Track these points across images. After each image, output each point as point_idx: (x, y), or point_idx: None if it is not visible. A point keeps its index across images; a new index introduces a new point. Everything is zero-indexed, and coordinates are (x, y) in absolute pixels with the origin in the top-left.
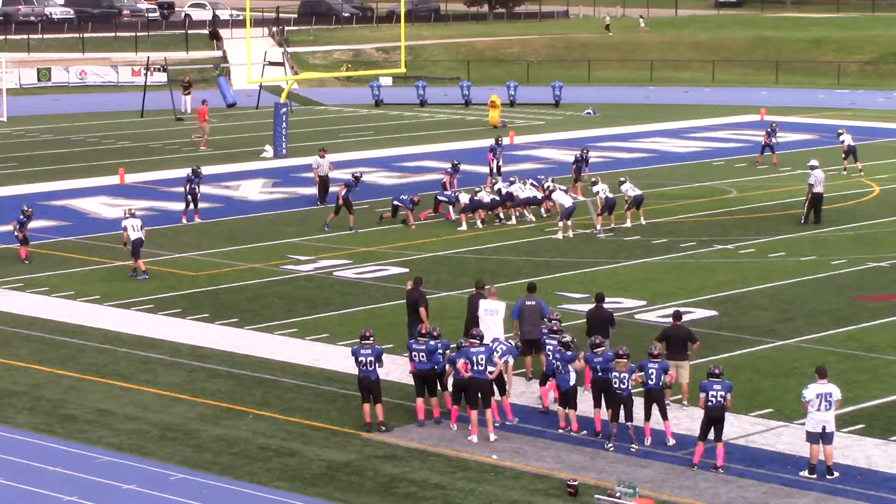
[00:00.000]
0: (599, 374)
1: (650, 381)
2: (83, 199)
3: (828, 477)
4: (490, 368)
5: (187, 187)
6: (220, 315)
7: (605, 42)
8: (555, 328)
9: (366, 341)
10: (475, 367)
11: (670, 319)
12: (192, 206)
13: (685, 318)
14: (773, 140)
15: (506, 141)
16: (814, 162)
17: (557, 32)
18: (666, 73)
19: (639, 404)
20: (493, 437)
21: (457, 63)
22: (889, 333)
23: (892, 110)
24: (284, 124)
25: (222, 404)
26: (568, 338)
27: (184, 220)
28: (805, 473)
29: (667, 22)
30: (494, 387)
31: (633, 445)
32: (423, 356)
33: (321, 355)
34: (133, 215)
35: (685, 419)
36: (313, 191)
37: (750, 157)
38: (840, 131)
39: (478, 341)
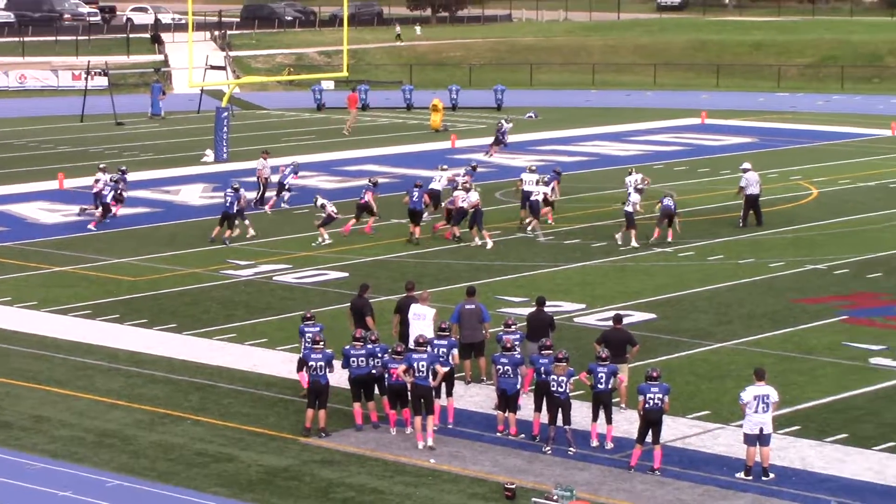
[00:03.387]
0: (543, 376)
1: (599, 385)
2: (21, 205)
3: (764, 478)
4: (447, 367)
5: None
6: (159, 320)
7: (547, 46)
8: (509, 321)
9: (316, 346)
10: (417, 374)
11: (610, 323)
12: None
13: (625, 320)
14: None
15: (447, 144)
16: (746, 165)
17: (500, 36)
18: (608, 77)
19: (584, 407)
20: (430, 441)
21: (399, 67)
22: (826, 335)
23: (832, 113)
24: (226, 128)
25: (159, 410)
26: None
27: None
28: (741, 475)
29: (609, 25)
30: (443, 388)
31: (571, 449)
32: (361, 361)
33: (259, 360)
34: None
35: (623, 422)
36: (253, 194)
37: (691, 159)
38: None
39: (422, 348)
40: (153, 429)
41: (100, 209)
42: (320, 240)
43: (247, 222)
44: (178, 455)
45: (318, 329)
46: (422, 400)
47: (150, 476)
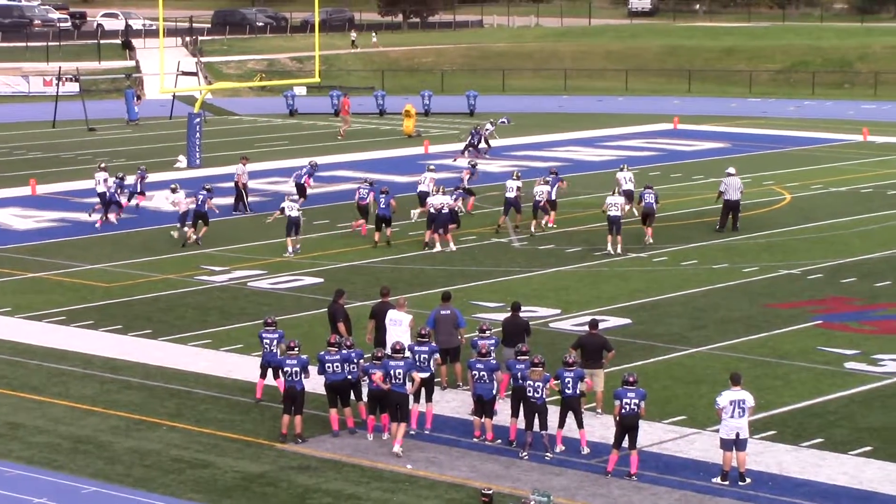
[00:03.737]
0: (520, 381)
1: (567, 390)
2: None
3: (740, 483)
4: (428, 372)
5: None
6: (134, 326)
7: (519, 51)
8: (484, 327)
9: (291, 352)
10: (393, 381)
11: (586, 328)
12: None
13: (600, 326)
14: None
15: (420, 150)
16: (730, 169)
17: (471, 42)
18: (580, 83)
19: (554, 412)
20: (396, 448)
21: (371, 73)
22: (800, 340)
23: (803, 119)
24: (198, 134)
25: (135, 416)
26: (524, 347)
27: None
28: (718, 480)
29: (580, 31)
30: (423, 392)
31: (548, 454)
32: (336, 367)
33: (235, 366)
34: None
35: (599, 427)
36: (229, 201)
37: (664, 165)
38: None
39: (399, 355)
40: (129, 435)
41: (100, 207)
42: (290, 250)
43: (192, 228)
44: (154, 461)
45: (276, 336)
46: (397, 406)
47: (126, 482)
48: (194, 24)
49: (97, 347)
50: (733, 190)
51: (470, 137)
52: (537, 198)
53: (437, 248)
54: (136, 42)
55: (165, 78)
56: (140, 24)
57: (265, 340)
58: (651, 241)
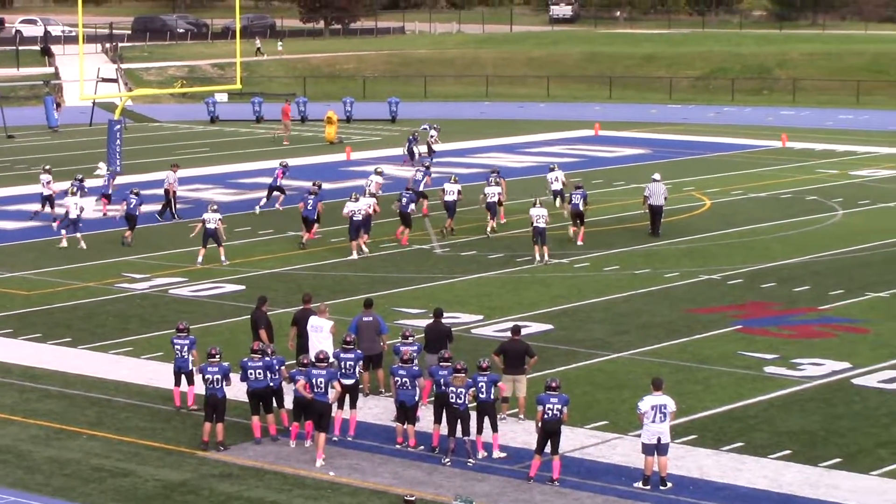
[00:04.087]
0: (443, 388)
1: (481, 395)
2: None
3: (662, 488)
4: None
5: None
6: (53, 334)
7: (441, 58)
8: (407, 333)
9: (212, 359)
10: (315, 390)
11: (508, 333)
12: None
13: (522, 331)
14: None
15: (342, 157)
16: (656, 175)
17: (393, 48)
18: (501, 89)
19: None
20: (319, 462)
21: (293, 79)
22: (720, 345)
23: (723, 125)
24: (118, 141)
25: (55, 425)
26: (447, 354)
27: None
28: (639, 485)
29: (502, 38)
30: (347, 399)
31: (470, 460)
32: (259, 373)
33: (156, 374)
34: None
35: (521, 433)
36: (156, 207)
37: (585, 171)
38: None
39: (323, 364)
40: (49, 444)
41: (45, 209)
42: (223, 259)
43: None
44: (74, 470)
45: (187, 342)
46: (319, 416)
47: (46, 492)
48: (114, 31)
49: (16, 356)
50: (657, 195)
51: (408, 144)
52: (489, 199)
53: (354, 255)
54: (55, 48)
55: (85, 84)
56: (59, 30)
57: (176, 346)
58: (580, 243)
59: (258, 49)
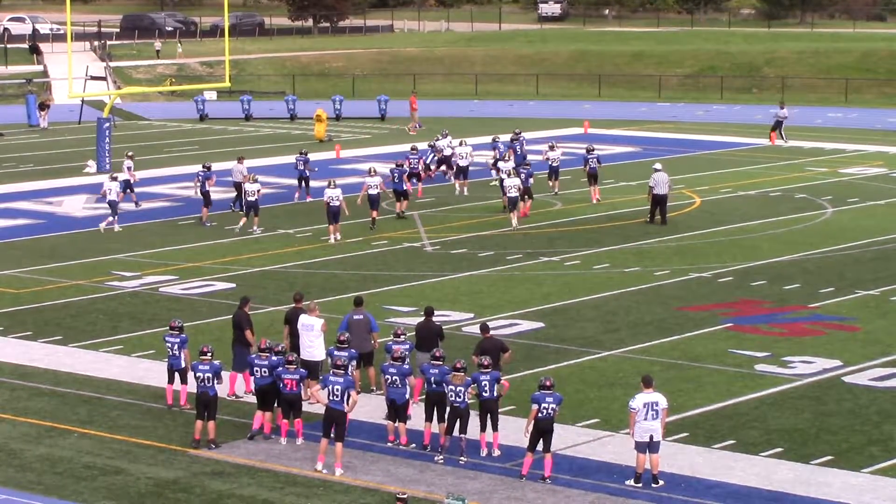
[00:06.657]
0: (434, 386)
1: (484, 393)
2: None
3: (653, 485)
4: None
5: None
6: (44, 333)
7: (430, 56)
8: (399, 331)
9: (204, 357)
10: (331, 398)
11: (486, 333)
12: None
13: (513, 329)
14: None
15: (332, 155)
16: (657, 165)
17: (382, 46)
18: (490, 87)
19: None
20: (338, 472)
21: (282, 77)
22: (711, 343)
23: (712, 123)
24: (108, 139)
25: (46, 423)
26: (440, 352)
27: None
28: (631, 482)
29: (491, 36)
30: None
31: (462, 458)
32: (264, 371)
33: (147, 372)
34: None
35: (513, 431)
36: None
37: (574, 170)
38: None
39: (340, 371)
40: (40, 442)
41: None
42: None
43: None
44: (66, 468)
45: (178, 340)
46: (333, 425)
47: (38, 490)
48: (103, 29)
49: (7, 354)
50: (661, 185)
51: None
52: (510, 193)
53: (331, 240)
54: (43, 46)
55: (74, 82)
56: (48, 28)
57: (168, 344)
58: (515, 222)
59: (157, 52)
